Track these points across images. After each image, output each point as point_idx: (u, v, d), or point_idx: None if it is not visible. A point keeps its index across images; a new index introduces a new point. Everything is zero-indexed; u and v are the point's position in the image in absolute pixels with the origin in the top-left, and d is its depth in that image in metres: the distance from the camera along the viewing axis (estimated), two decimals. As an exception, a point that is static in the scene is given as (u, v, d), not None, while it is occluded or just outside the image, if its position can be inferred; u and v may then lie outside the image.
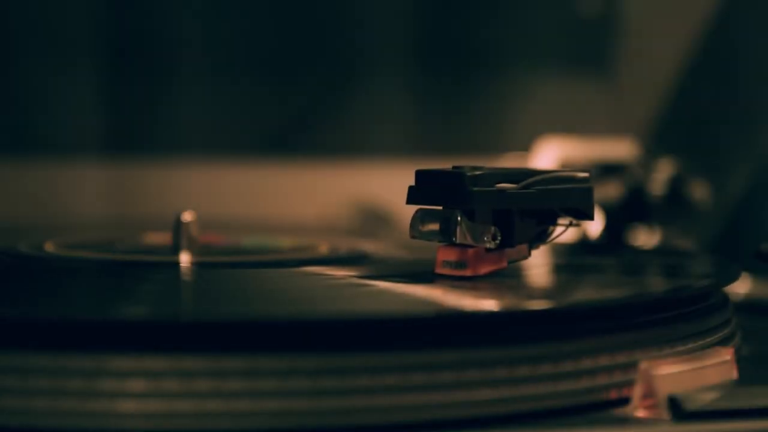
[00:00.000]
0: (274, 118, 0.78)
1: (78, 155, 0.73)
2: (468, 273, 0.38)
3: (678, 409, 0.32)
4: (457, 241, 0.38)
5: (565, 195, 0.39)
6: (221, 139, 0.77)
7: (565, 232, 0.41)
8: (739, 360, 0.36)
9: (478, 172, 0.38)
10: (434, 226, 0.38)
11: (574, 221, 0.41)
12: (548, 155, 0.63)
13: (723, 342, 0.38)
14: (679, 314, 0.37)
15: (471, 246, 0.38)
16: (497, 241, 0.39)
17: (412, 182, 0.39)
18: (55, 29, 0.73)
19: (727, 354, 0.35)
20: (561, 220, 0.41)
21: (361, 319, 0.32)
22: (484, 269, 0.39)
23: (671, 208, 0.60)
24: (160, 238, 0.51)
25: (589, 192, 0.40)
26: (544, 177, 0.39)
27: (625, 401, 0.33)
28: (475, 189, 0.37)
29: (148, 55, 0.75)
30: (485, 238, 0.38)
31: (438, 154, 0.76)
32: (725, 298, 0.42)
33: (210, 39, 0.76)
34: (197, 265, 0.44)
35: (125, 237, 0.56)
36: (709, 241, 0.69)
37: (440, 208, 0.38)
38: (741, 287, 0.53)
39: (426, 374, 0.31)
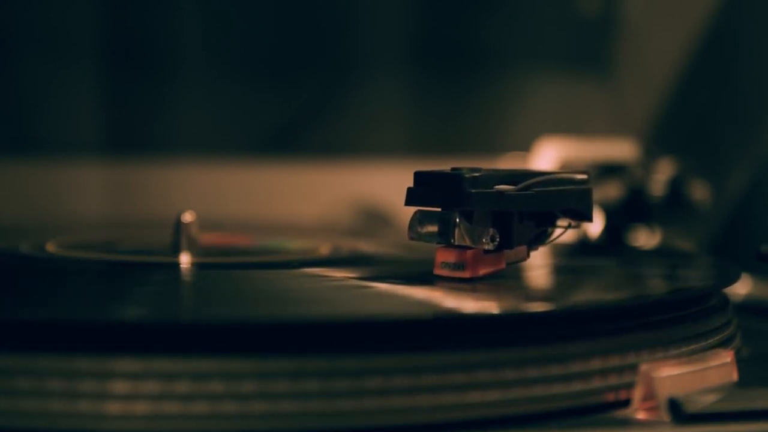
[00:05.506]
0: (274, 118, 0.77)
1: (78, 155, 0.73)
2: (466, 275, 0.38)
3: (678, 411, 0.32)
4: (456, 243, 0.38)
5: (564, 197, 0.39)
6: (221, 139, 0.77)
7: (563, 234, 0.41)
8: (740, 362, 0.36)
9: (476, 174, 0.38)
10: (433, 228, 0.38)
11: (573, 223, 0.41)
12: (548, 156, 0.63)
13: (723, 344, 0.38)
14: (680, 316, 0.37)
15: (469, 247, 0.38)
16: (496, 243, 0.38)
17: (412, 183, 0.39)
18: (55, 29, 0.73)
19: (727, 356, 0.35)
20: (560, 222, 0.40)
21: (359, 322, 0.32)
22: (482, 271, 0.39)
23: (671, 209, 0.59)
24: (159, 238, 0.51)
25: (587, 194, 0.40)
26: (542, 179, 0.39)
27: (625, 403, 0.33)
28: (473, 190, 0.37)
29: (148, 55, 0.75)
30: (484, 240, 0.38)
31: (438, 154, 0.76)
32: (725, 299, 0.42)
33: (210, 39, 0.76)
34: (197, 266, 0.44)
35: (125, 237, 0.55)
36: (709, 241, 0.69)
37: (439, 209, 0.38)
38: (741, 288, 0.52)
39: (424, 377, 0.31)
